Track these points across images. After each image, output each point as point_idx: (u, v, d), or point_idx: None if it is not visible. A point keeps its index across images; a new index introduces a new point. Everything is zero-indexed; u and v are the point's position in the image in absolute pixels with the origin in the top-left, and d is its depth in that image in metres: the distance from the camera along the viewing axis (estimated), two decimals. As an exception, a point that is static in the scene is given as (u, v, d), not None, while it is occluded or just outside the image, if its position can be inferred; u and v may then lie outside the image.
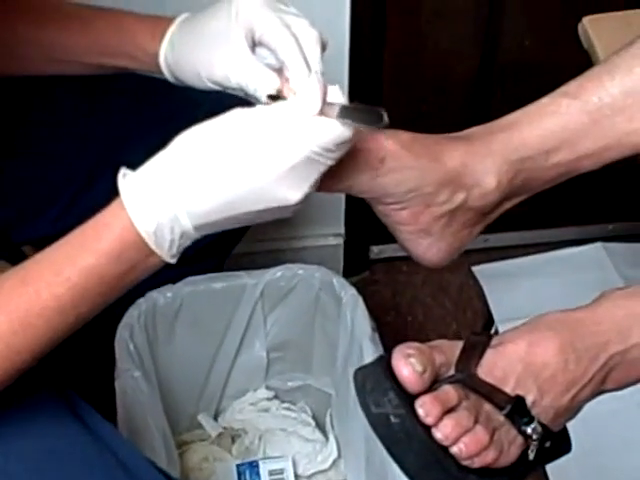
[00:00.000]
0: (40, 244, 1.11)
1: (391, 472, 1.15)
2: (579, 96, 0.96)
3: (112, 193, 1.07)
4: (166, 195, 0.75)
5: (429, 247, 0.98)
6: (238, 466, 1.39)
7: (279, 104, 0.78)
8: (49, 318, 0.76)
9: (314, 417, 1.51)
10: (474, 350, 0.80)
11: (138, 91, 1.09)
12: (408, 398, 0.74)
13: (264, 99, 0.86)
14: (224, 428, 1.47)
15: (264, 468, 1.38)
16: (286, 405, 1.51)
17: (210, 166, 0.75)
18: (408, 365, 0.77)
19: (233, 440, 1.48)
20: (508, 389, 0.80)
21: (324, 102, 0.75)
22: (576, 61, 1.59)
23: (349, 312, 1.34)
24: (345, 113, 0.75)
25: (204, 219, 0.76)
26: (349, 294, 1.34)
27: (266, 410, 1.49)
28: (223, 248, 1.29)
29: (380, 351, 1.31)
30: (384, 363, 0.77)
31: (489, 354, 0.81)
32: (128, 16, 0.99)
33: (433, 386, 0.78)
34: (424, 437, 0.73)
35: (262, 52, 0.89)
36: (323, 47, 0.89)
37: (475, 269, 1.73)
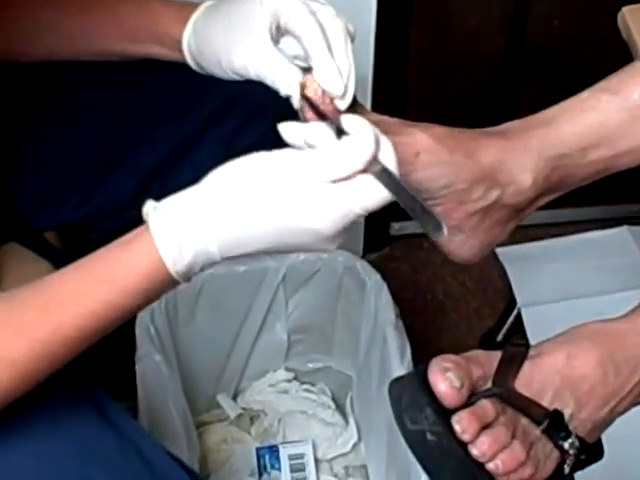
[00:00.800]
0: (62, 230, 1.10)
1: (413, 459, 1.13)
2: (619, 92, 0.93)
3: (132, 180, 1.06)
4: (199, 237, 0.72)
5: (461, 244, 0.95)
6: (257, 450, 1.38)
7: (328, 152, 0.72)
8: (70, 346, 0.75)
9: (334, 399, 1.50)
10: (512, 363, 0.78)
11: (160, 80, 1.06)
12: (445, 414, 0.73)
13: (283, 92, 0.82)
14: (243, 409, 1.46)
15: (284, 452, 1.37)
16: (306, 387, 1.50)
17: (246, 208, 0.72)
18: (445, 380, 0.75)
19: (252, 421, 1.47)
20: (545, 402, 0.79)
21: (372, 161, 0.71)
22: (606, 42, 1.58)
23: (373, 297, 1.32)
24: (389, 175, 0.72)
25: (234, 254, 0.74)
26: (373, 279, 1.33)
27: (285, 392, 1.48)
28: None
29: (404, 339, 1.29)
30: (420, 377, 0.74)
31: (527, 366, 0.79)
32: (153, 0, 0.95)
33: (470, 399, 0.75)
34: (461, 455, 0.71)
35: (289, 41, 0.85)
36: (352, 38, 0.86)
37: (499, 251, 1.70)
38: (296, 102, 0.82)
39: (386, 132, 0.86)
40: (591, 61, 1.59)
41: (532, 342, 1.52)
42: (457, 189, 0.91)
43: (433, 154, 0.89)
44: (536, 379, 0.79)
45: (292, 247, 0.75)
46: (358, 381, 1.42)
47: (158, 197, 1.06)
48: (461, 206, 0.92)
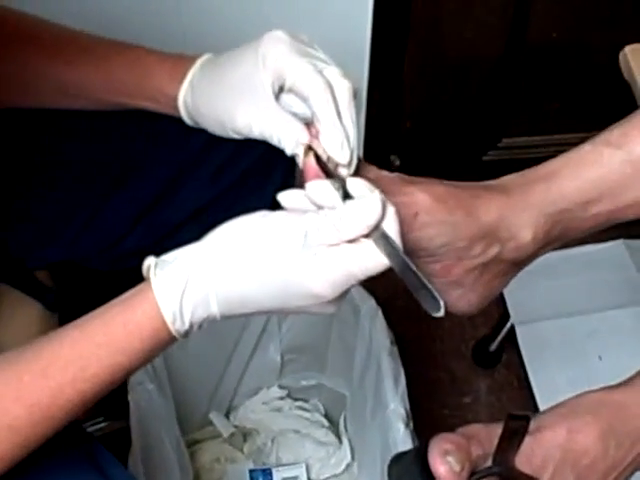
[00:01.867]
0: (54, 268, 1.09)
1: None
2: (622, 146, 0.91)
3: (125, 214, 1.04)
4: (200, 300, 0.71)
5: (460, 298, 0.95)
6: (251, 472, 1.37)
7: (329, 218, 0.71)
8: (71, 409, 0.74)
9: (327, 416, 1.50)
10: (512, 439, 0.77)
11: (151, 120, 1.04)
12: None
13: (289, 151, 0.81)
14: (236, 427, 1.45)
15: (277, 476, 1.37)
16: (299, 404, 1.49)
17: (246, 271, 0.71)
18: (445, 464, 0.74)
19: (245, 438, 1.46)
20: (546, 478, 0.77)
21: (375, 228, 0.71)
22: (602, 52, 1.56)
23: (367, 323, 1.31)
24: (388, 243, 0.71)
25: (235, 314, 0.73)
26: (368, 304, 1.31)
27: (279, 410, 1.47)
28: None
29: (398, 366, 1.28)
30: (420, 458, 0.73)
31: (527, 441, 0.78)
32: (147, 54, 0.92)
33: (470, 479, 0.75)
34: None
35: (288, 99, 0.83)
36: (354, 94, 0.84)
37: (493, 263, 1.69)
38: (301, 163, 0.80)
39: (385, 191, 0.85)
40: (588, 71, 1.57)
41: (527, 360, 1.54)
42: (456, 247, 0.90)
43: (432, 214, 0.88)
44: (537, 454, 0.78)
45: (292, 309, 0.74)
46: (352, 401, 1.42)
47: (150, 230, 1.06)
48: (460, 262, 0.91)
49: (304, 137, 0.80)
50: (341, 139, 0.79)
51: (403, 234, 0.85)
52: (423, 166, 1.70)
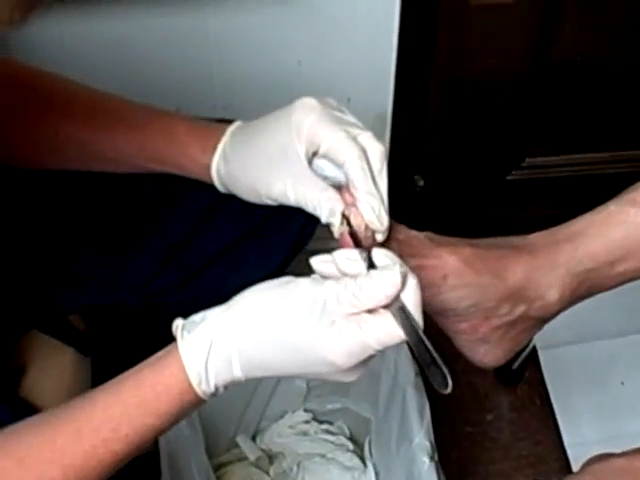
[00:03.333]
0: (86, 311, 1.11)
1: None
2: None
3: (156, 256, 1.06)
4: (225, 364, 0.74)
5: (486, 353, 0.96)
6: (277, 496, 1.40)
7: (349, 287, 0.73)
8: (104, 468, 0.76)
9: (352, 438, 1.51)
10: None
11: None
12: None
13: (324, 219, 0.83)
14: (262, 450, 1.47)
15: (303, 501, 1.39)
16: (324, 426, 1.51)
17: (269, 338, 0.73)
18: None
19: (271, 460, 1.48)
20: None
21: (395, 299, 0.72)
22: (630, 74, 1.56)
23: (393, 354, 1.32)
24: (407, 316, 0.72)
25: (258, 376, 0.76)
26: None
27: (305, 433, 1.49)
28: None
29: (424, 399, 1.30)
30: None
31: None
32: (178, 122, 0.94)
33: None
34: None
35: (321, 163, 0.84)
36: (386, 157, 0.86)
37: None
38: (337, 232, 0.82)
39: (414, 254, 0.87)
40: (613, 91, 1.58)
41: (549, 385, 1.55)
42: (484, 307, 0.92)
43: (461, 277, 0.89)
44: None
45: (312, 375, 0.77)
46: (377, 427, 1.44)
47: (180, 269, 1.07)
48: (487, 321, 0.93)
49: (339, 206, 0.82)
50: (378, 207, 0.81)
51: (430, 298, 0.88)
52: (447, 186, 1.72)
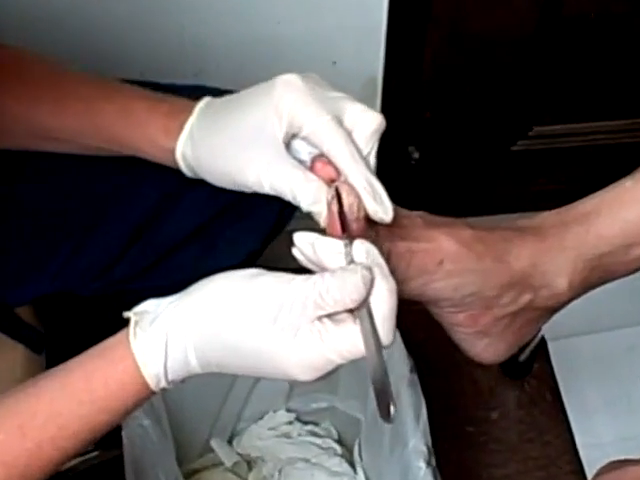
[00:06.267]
0: (38, 304, 1.09)
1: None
2: None
3: (114, 240, 1.05)
4: (182, 358, 0.75)
5: (487, 348, 0.96)
6: (256, 507, 1.39)
7: (316, 287, 0.73)
8: (50, 466, 0.77)
9: (340, 441, 1.51)
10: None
11: None
12: None
13: (306, 208, 0.81)
14: (240, 455, 1.47)
15: (285, 509, 1.38)
16: (309, 428, 1.50)
17: (224, 336, 0.74)
18: None
19: (249, 466, 1.47)
20: None
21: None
22: None
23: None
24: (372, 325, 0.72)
25: (214, 371, 0.77)
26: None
27: (287, 435, 1.48)
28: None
29: (419, 397, 1.29)
30: None
31: None
32: (138, 99, 0.92)
33: None
34: None
35: (298, 146, 0.83)
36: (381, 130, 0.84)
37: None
38: (323, 221, 0.80)
39: (404, 237, 0.86)
40: (628, 54, 1.56)
41: (560, 378, 1.55)
42: (484, 296, 0.91)
43: (458, 262, 0.88)
44: None
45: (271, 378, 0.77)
46: (367, 428, 1.43)
47: (144, 253, 1.06)
48: (488, 311, 0.92)
49: (323, 193, 0.80)
50: (380, 194, 0.80)
51: (423, 286, 0.87)
52: (445, 159, 1.70)
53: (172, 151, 0.88)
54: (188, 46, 1.41)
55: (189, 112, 0.88)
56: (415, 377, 1.30)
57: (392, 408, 0.71)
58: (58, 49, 1.13)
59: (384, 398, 0.72)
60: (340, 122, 0.81)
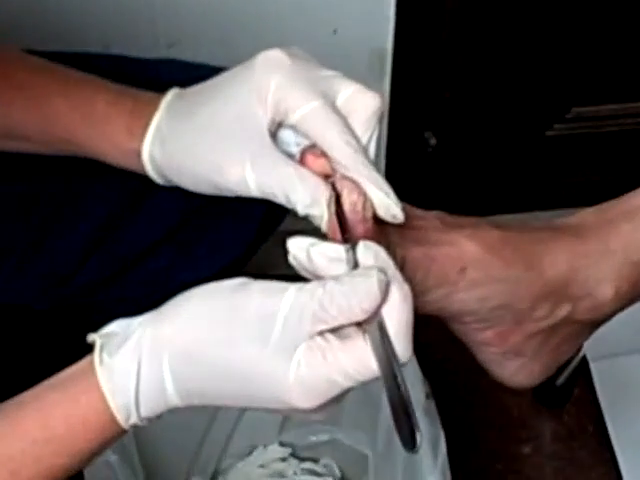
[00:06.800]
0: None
1: None
2: None
3: (72, 246, 1.05)
4: (157, 393, 0.75)
5: (519, 370, 0.96)
6: None
7: (315, 298, 0.72)
8: None
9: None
10: None
11: None
12: None
13: (302, 211, 0.81)
14: (224, 498, 1.47)
15: None
16: (307, 465, 1.51)
17: (208, 361, 0.74)
18: None
19: (236, 511, 1.48)
20: None
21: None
22: None
23: (397, 371, 1.31)
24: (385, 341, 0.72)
25: (195, 403, 0.76)
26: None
27: (280, 474, 1.49)
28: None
29: (437, 428, 1.30)
30: None
31: None
32: (96, 92, 0.92)
33: None
34: None
35: (286, 137, 0.83)
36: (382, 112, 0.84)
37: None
38: (325, 225, 0.80)
39: (420, 241, 0.86)
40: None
41: (604, 404, 1.55)
42: (515, 309, 0.91)
43: (484, 269, 0.89)
44: None
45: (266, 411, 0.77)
46: (376, 465, 1.43)
47: (107, 261, 1.07)
48: (519, 327, 0.93)
49: (323, 192, 0.80)
50: (388, 190, 0.80)
51: (444, 299, 0.87)
52: (466, 146, 1.71)
53: (137, 153, 0.88)
54: (160, 11, 1.41)
55: (156, 106, 0.87)
56: (432, 404, 1.30)
57: (417, 435, 0.71)
58: (11, 18, 1.13)
59: (406, 423, 0.71)
60: (334, 106, 0.81)
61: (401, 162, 1.67)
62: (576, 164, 1.77)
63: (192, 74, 0.90)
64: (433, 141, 1.68)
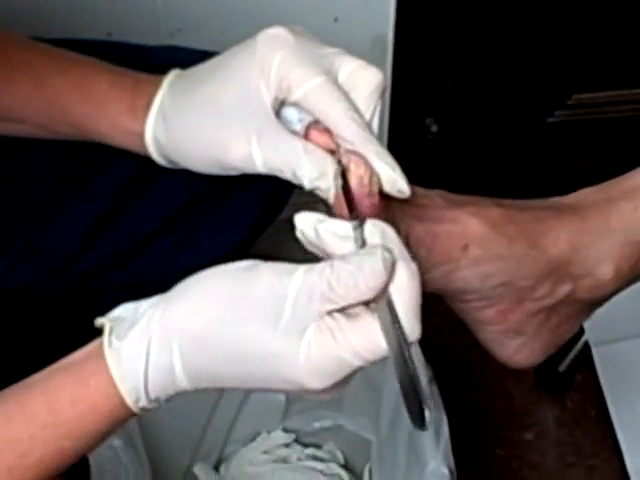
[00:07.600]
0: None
1: None
2: None
3: (76, 231, 1.05)
4: (166, 374, 0.75)
5: (520, 349, 0.96)
6: None
7: (324, 278, 0.73)
8: None
9: (346, 466, 1.51)
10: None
11: None
12: None
13: (309, 185, 0.80)
14: (227, 484, 1.47)
15: None
16: (310, 451, 1.50)
17: (218, 342, 0.74)
18: None
19: (240, 497, 1.48)
20: None
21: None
22: None
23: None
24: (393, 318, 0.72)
25: (204, 386, 0.76)
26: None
27: (284, 460, 1.48)
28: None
29: (441, 413, 1.30)
30: None
31: None
32: (96, 73, 0.92)
33: None
34: None
35: (289, 114, 0.83)
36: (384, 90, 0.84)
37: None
38: (332, 197, 0.80)
39: (423, 218, 0.87)
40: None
41: (606, 389, 1.55)
42: (517, 287, 0.91)
43: (486, 246, 0.89)
44: None
45: (275, 392, 0.77)
46: (379, 450, 1.43)
47: (113, 245, 1.07)
48: (520, 305, 0.93)
49: (331, 165, 0.80)
50: (393, 165, 0.80)
51: (445, 277, 0.88)
52: (468, 133, 1.71)
53: (140, 134, 0.88)
54: (161, 1, 1.42)
55: (158, 86, 0.87)
56: (435, 388, 1.30)
57: (427, 411, 0.72)
58: (12, 6, 1.13)
59: (416, 401, 0.72)
60: (336, 82, 0.81)
61: (402, 149, 1.66)
62: (577, 151, 1.77)
63: (193, 60, 0.89)
64: (434, 128, 1.68)
